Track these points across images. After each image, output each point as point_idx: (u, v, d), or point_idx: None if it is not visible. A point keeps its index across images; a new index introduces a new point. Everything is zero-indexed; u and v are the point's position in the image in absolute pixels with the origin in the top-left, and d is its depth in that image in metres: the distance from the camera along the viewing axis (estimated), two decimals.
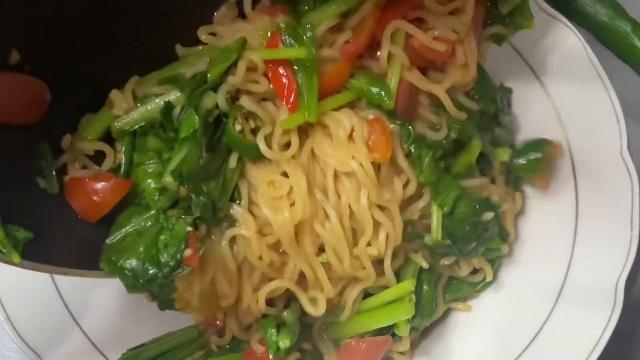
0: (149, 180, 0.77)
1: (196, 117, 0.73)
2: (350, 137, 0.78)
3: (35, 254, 0.67)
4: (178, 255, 0.73)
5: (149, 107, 0.77)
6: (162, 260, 0.73)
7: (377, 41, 0.79)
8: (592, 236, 0.89)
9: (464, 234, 0.85)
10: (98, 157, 0.79)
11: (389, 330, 0.86)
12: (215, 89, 0.76)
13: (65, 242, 0.73)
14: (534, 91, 0.97)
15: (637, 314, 0.95)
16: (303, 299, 0.81)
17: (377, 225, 0.79)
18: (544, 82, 0.96)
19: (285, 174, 0.77)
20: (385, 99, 0.77)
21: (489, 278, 0.91)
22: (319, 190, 0.78)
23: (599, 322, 0.82)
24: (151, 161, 0.78)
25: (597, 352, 0.81)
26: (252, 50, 0.76)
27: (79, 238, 0.75)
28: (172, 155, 0.74)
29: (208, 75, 0.76)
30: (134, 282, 0.74)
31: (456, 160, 0.86)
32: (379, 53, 0.79)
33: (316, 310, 0.81)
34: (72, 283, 0.91)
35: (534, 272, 0.91)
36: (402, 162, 0.80)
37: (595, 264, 0.86)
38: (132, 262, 0.73)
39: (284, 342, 0.80)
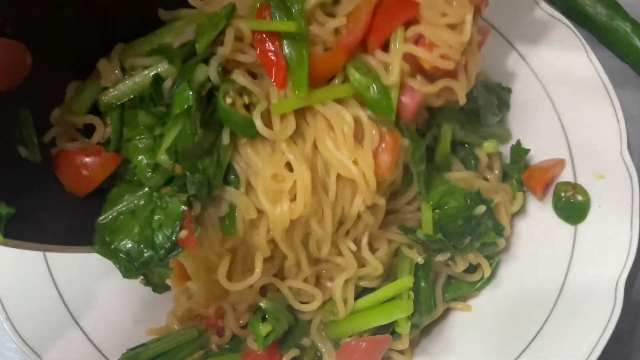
0: (141, 157, 0.74)
1: (190, 93, 0.70)
2: (357, 137, 0.77)
3: (18, 231, 0.64)
4: (173, 236, 0.70)
5: (137, 80, 0.74)
6: (157, 241, 0.70)
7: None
8: (592, 236, 0.89)
9: (457, 228, 0.85)
10: (87, 130, 0.76)
11: (388, 329, 0.86)
12: (206, 60, 0.72)
13: (49, 217, 0.70)
14: (534, 91, 0.97)
15: (637, 314, 0.95)
16: (285, 291, 0.83)
17: (359, 217, 0.81)
18: (544, 82, 0.96)
19: (288, 166, 0.75)
20: (386, 110, 0.76)
21: (486, 274, 0.91)
22: (320, 187, 0.77)
23: (599, 322, 0.82)
24: (142, 136, 0.74)
25: (597, 352, 0.81)
26: (241, 19, 0.74)
27: (64, 213, 0.73)
28: (165, 131, 0.71)
29: (196, 46, 0.73)
30: (129, 266, 0.71)
31: (435, 153, 0.89)
32: (377, 53, 0.77)
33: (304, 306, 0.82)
34: (72, 283, 0.91)
35: (534, 272, 0.91)
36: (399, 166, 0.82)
37: (595, 264, 0.86)
38: (127, 244, 0.71)
39: (265, 328, 0.80)
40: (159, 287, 0.76)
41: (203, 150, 0.72)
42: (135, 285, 0.96)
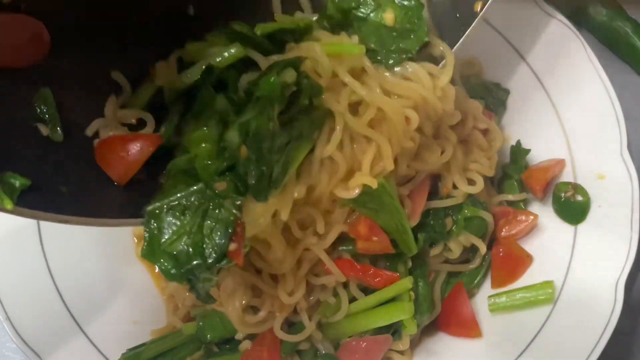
0: (204, 145, 0.70)
1: (278, 81, 0.67)
2: None
3: (34, 202, 0.64)
4: (223, 247, 0.66)
5: (218, 59, 0.73)
6: (207, 249, 0.67)
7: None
8: (592, 236, 0.89)
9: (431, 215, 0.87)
10: (136, 128, 0.77)
11: (389, 329, 0.86)
12: (295, 64, 0.71)
13: (70, 191, 0.69)
14: (534, 91, 0.97)
15: (637, 314, 0.95)
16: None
17: None
18: (544, 82, 0.96)
19: None
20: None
21: (482, 251, 0.91)
22: None
23: (599, 322, 0.82)
24: (210, 126, 0.71)
25: (597, 352, 0.81)
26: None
27: (87, 185, 0.72)
28: (241, 116, 0.68)
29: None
30: (175, 271, 0.67)
31: None
32: None
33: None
34: (72, 283, 0.91)
35: (534, 272, 0.91)
36: None
37: (595, 264, 0.86)
38: (177, 247, 0.67)
39: None
40: (203, 297, 0.72)
41: (273, 146, 0.68)
42: (135, 286, 0.96)
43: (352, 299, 0.86)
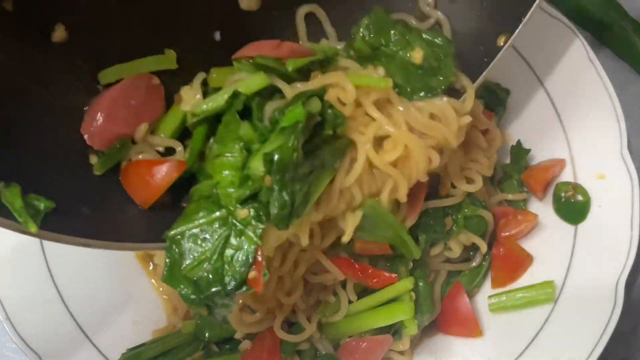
0: (226, 172, 0.70)
1: (303, 110, 0.68)
2: None
3: (57, 224, 0.64)
4: (243, 275, 0.67)
5: (247, 84, 0.74)
6: (227, 277, 0.67)
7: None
8: (592, 236, 0.89)
9: (431, 215, 0.87)
10: (164, 154, 0.78)
11: (389, 329, 0.86)
12: (320, 94, 0.72)
13: (92, 213, 0.70)
14: (534, 91, 0.97)
15: (637, 314, 0.95)
16: None
17: None
18: (544, 82, 0.96)
19: None
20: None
21: (483, 249, 0.91)
22: None
23: (599, 322, 0.82)
24: (233, 153, 0.71)
25: (597, 352, 0.81)
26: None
27: (109, 208, 0.73)
28: (265, 144, 0.69)
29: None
30: (195, 297, 0.67)
31: None
32: None
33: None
34: (72, 283, 0.91)
35: (534, 272, 0.91)
36: None
37: (595, 264, 0.86)
38: (197, 273, 0.67)
39: None
40: (220, 321, 0.72)
41: (296, 175, 0.68)
42: (135, 286, 0.96)
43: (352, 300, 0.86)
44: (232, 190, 0.69)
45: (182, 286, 0.67)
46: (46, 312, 0.89)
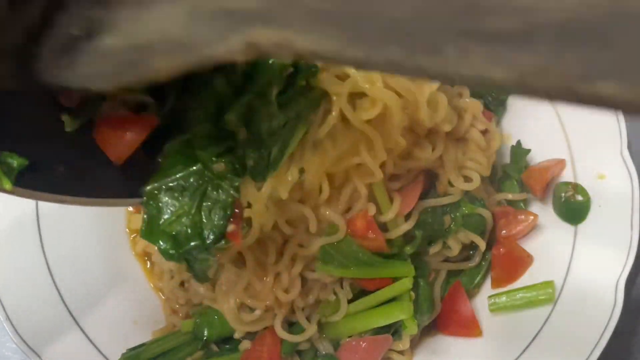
0: (202, 126, 0.70)
1: (276, 62, 0.66)
2: None
3: (32, 182, 0.64)
4: (222, 229, 0.67)
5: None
6: (205, 230, 0.67)
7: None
8: (592, 236, 0.89)
9: (429, 212, 0.87)
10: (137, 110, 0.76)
11: (389, 329, 0.86)
12: None
13: (67, 170, 0.69)
14: None
15: (637, 314, 0.95)
16: None
17: None
18: None
19: None
20: None
21: (482, 248, 0.91)
22: None
23: (599, 322, 0.82)
24: (208, 107, 0.70)
25: (597, 352, 0.81)
26: None
27: (84, 165, 0.71)
28: (239, 98, 0.68)
29: None
30: (173, 252, 0.67)
31: None
32: None
33: None
34: (72, 283, 0.91)
35: (534, 272, 0.91)
36: None
37: (596, 264, 0.86)
38: (175, 227, 0.67)
39: None
40: (200, 276, 0.74)
41: (271, 127, 0.69)
42: (135, 286, 0.96)
43: (352, 299, 0.86)
44: (207, 143, 0.69)
45: (160, 242, 0.67)
46: (46, 312, 0.89)
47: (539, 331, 0.85)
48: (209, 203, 0.68)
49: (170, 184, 0.68)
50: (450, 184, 0.88)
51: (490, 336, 0.89)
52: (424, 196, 0.87)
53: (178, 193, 0.68)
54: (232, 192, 0.68)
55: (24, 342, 0.85)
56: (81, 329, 0.89)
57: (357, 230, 0.81)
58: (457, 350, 0.90)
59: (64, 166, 0.69)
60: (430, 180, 0.88)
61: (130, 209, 0.99)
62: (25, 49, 0.60)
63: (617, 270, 0.84)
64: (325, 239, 0.81)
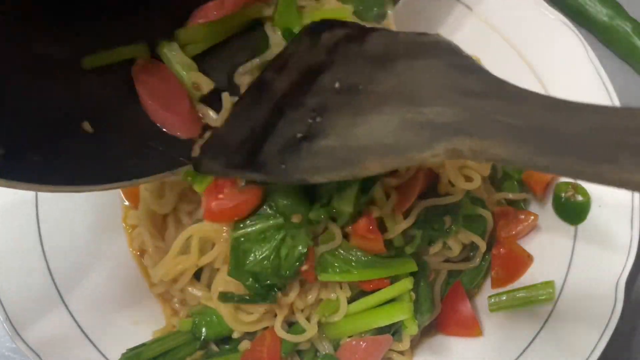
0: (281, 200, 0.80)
1: None
2: None
3: (11, 170, 0.65)
4: (296, 269, 0.79)
5: None
6: (282, 271, 0.79)
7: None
8: (592, 236, 0.89)
9: (429, 211, 0.87)
10: None
11: (389, 329, 0.86)
12: None
13: (43, 158, 0.70)
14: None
15: (637, 314, 0.95)
16: None
17: None
18: (544, 82, 0.96)
19: None
20: None
21: (482, 248, 0.91)
22: None
23: (599, 322, 0.82)
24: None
25: (597, 352, 0.81)
26: None
27: (60, 155, 0.73)
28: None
29: None
30: (258, 286, 0.79)
31: None
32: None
33: None
34: (72, 283, 0.91)
35: (534, 272, 0.91)
36: None
37: (595, 264, 0.86)
38: (258, 269, 0.79)
39: None
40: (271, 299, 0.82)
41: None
42: (135, 286, 0.96)
43: (352, 299, 0.86)
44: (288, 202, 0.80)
45: (244, 278, 0.79)
46: (46, 312, 0.89)
47: (539, 331, 0.85)
48: (286, 250, 0.79)
49: (254, 234, 0.80)
50: (451, 184, 0.88)
51: (490, 336, 0.89)
52: (424, 196, 0.87)
53: (260, 240, 0.79)
54: (307, 239, 0.79)
55: (24, 342, 0.85)
56: (81, 329, 0.89)
57: (357, 229, 0.81)
58: (457, 350, 0.90)
59: (39, 154, 0.69)
60: (431, 180, 0.88)
61: (127, 203, 0.99)
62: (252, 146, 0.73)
63: (617, 270, 0.84)
64: (323, 248, 0.82)
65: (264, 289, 0.80)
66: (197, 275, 0.89)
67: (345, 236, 0.83)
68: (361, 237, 0.81)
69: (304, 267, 0.79)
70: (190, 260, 0.85)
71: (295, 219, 0.79)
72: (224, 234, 0.82)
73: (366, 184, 0.79)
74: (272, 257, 0.78)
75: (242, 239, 0.80)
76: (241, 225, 0.80)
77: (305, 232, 0.79)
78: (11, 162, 0.65)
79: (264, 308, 0.84)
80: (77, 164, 0.73)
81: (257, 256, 0.79)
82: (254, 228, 0.79)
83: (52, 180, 0.69)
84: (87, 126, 0.76)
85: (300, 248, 0.79)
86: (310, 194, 0.80)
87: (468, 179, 0.89)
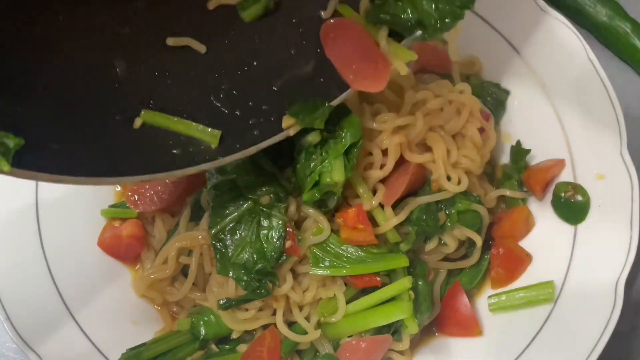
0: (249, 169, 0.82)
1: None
2: None
3: (31, 162, 0.63)
4: (281, 247, 0.81)
5: None
6: (268, 253, 0.81)
7: None
8: (592, 236, 0.89)
9: (423, 208, 0.87)
10: None
11: (389, 329, 0.86)
12: None
13: (62, 149, 0.68)
14: (534, 91, 0.97)
15: (636, 314, 0.95)
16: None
17: None
18: (543, 82, 0.96)
19: None
20: None
21: (478, 243, 0.91)
22: None
23: (599, 322, 0.82)
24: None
25: (597, 352, 0.81)
26: None
27: (78, 145, 0.70)
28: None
29: None
30: (246, 277, 0.81)
31: None
32: None
33: None
34: (72, 283, 0.91)
35: (534, 272, 0.91)
36: None
37: (595, 264, 0.86)
38: (243, 258, 0.81)
39: None
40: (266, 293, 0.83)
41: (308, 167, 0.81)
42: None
43: (351, 299, 0.86)
44: (251, 183, 0.82)
45: (231, 272, 0.81)
46: (46, 312, 0.89)
47: (539, 331, 0.85)
48: (265, 231, 0.82)
49: (230, 225, 0.82)
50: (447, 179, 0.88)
51: (490, 336, 0.89)
52: (417, 193, 0.87)
53: (238, 229, 0.82)
54: (281, 216, 0.81)
55: (24, 342, 0.85)
56: (81, 329, 0.89)
57: (347, 221, 0.82)
58: (457, 350, 0.90)
59: (58, 144, 0.67)
60: (421, 179, 0.88)
61: (118, 188, 0.99)
62: None
63: (617, 270, 0.84)
64: (311, 240, 0.83)
65: (256, 278, 0.80)
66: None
67: (337, 232, 0.84)
68: (351, 228, 0.81)
69: (287, 244, 0.81)
70: (168, 269, 0.89)
71: (264, 200, 0.81)
72: (199, 238, 0.85)
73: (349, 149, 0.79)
74: (253, 242, 0.81)
75: (221, 235, 0.82)
76: (218, 220, 0.82)
77: (278, 210, 0.81)
78: (33, 153, 0.63)
79: (259, 303, 0.84)
80: (112, 155, 0.72)
81: (238, 245, 0.81)
82: (226, 220, 0.82)
83: (74, 172, 0.67)
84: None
85: (275, 225, 0.81)
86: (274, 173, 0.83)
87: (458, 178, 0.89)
